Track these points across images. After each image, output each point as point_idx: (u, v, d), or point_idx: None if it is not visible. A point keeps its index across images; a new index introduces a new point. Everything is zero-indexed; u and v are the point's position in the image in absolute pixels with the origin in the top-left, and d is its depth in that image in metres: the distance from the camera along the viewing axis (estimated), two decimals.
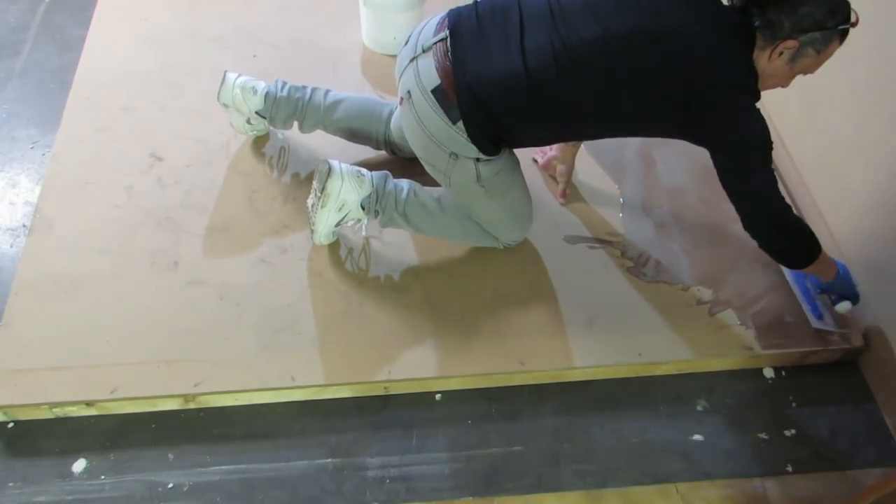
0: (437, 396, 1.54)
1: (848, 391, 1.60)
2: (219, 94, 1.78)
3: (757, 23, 1.33)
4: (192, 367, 1.50)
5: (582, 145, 1.84)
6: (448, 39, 1.41)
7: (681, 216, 1.82)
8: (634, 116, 1.43)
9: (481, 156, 1.47)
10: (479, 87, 1.38)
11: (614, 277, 1.71)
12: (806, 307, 1.64)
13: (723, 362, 1.60)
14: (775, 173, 1.91)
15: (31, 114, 2.05)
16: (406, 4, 2.09)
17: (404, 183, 1.65)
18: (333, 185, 1.57)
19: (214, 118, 1.94)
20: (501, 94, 1.38)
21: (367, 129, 1.80)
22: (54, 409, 1.46)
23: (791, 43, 1.31)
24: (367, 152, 1.88)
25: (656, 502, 1.42)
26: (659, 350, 1.58)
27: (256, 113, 1.79)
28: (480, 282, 1.68)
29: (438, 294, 1.65)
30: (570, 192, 1.86)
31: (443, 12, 1.47)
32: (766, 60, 1.35)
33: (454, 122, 1.42)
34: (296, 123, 1.82)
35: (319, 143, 1.90)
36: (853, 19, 1.31)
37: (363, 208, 1.61)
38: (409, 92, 1.46)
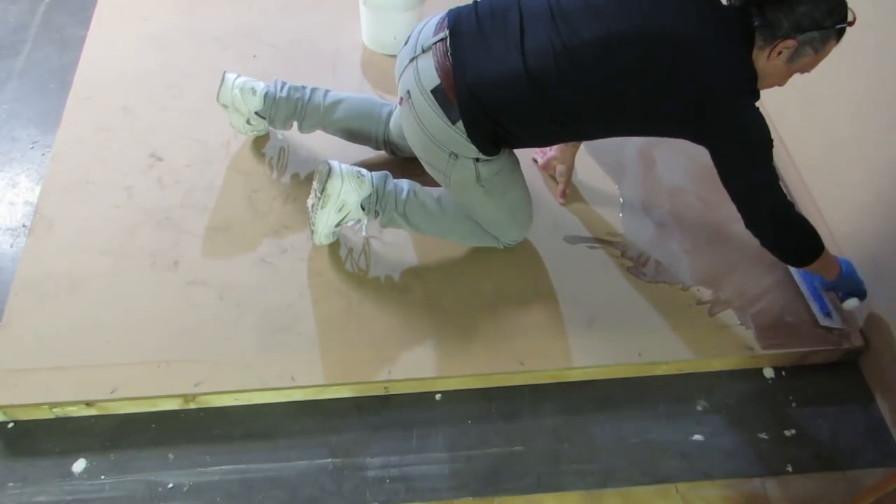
0: (437, 396, 1.54)
1: (848, 391, 1.60)
2: (218, 94, 1.78)
3: (756, 22, 1.33)
4: (192, 367, 1.50)
5: (582, 145, 1.84)
6: (448, 39, 1.41)
7: (681, 216, 1.82)
8: (635, 116, 1.43)
9: (481, 156, 1.47)
10: (478, 88, 1.38)
11: (614, 277, 1.71)
12: (814, 305, 1.64)
13: (723, 362, 1.60)
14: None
15: (31, 114, 2.05)
16: (406, 4, 2.09)
17: (404, 183, 1.65)
18: (333, 185, 1.57)
19: (214, 118, 1.94)
20: (501, 94, 1.38)
21: (367, 130, 1.80)
22: (54, 409, 1.46)
23: (790, 42, 1.32)
24: (367, 152, 1.88)
25: (656, 502, 1.42)
26: (659, 350, 1.58)
27: (256, 113, 1.79)
28: (480, 282, 1.68)
29: (438, 294, 1.65)
30: (570, 192, 1.86)
31: (442, 12, 1.47)
32: (764, 60, 1.36)
33: (454, 123, 1.42)
34: (295, 124, 1.82)
35: (319, 143, 1.90)
36: (850, 18, 1.32)
37: (363, 209, 1.61)
38: (408, 92, 1.46)
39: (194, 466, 1.42)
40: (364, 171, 1.62)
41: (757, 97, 1.40)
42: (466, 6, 1.46)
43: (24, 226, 1.78)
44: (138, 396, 1.46)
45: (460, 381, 1.54)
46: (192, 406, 1.50)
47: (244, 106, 1.77)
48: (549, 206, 1.84)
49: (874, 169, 1.59)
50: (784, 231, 1.45)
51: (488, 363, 1.54)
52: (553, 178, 1.88)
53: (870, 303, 1.61)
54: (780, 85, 1.42)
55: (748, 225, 1.45)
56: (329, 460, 1.44)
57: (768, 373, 1.62)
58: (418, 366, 1.53)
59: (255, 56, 2.16)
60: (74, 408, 1.46)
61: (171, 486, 1.40)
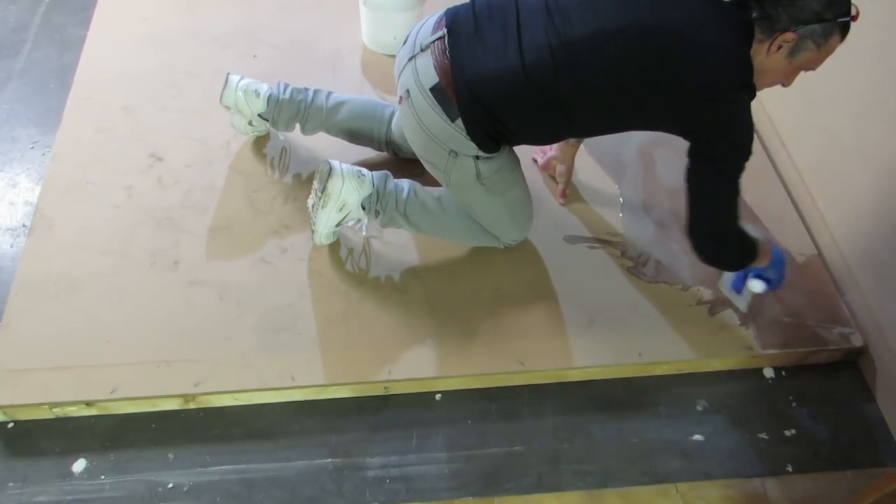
0: (437, 396, 1.54)
1: (848, 391, 1.60)
2: (221, 96, 1.78)
3: (754, 14, 1.32)
4: (192, 367, 1.50)
5: (582, 145, 1.84)
6: (446, 38, 1.41)
7: (681, 216, 1.81)
8: (631, 110, 1.43)
9: (481, 153, 1.47)
10: (477, 85, 1.38)
11: (614, 277, 1.71)
12: (727, 281, 1.63)
13: (723, 362, 1.60)
14: (775, 173, 1.94)
15: (31, 114, 2.05)
16: (406, 4, 2.09)
17: (405, 183, 1.65)
18: (334, 185, 1.57)
19: (214, 118, 1.94)
20: (499, 91, 1.38)
21: (369, 131, 1.80)
22: (54, 409, 1.46)
23: (789, 35, 1.30)
24: (368, 153, 1.88)
25: (656, 502, 1.42)
26: (659, 350, 1.58)
27: (259, 116, 1.79)
28: (480, 282, 1.68)
29: (438, 294, 1.65)
30: (570, 192, 1.86)
31: (441, 11, 1.47)
32: (764, 54, 1.34)
33: (453, 120, 1.42)
34: (297, 126, 1.82)
35: (320, 143, 1.90)
36: (853, 12, 1.30)
37: (364, 208, 1.61)
38: (407, 91, 1.47)
39: (194, 466, 1.42)
40: (364, 170, 1.62)
41: (753, 94, 1.39)
42: (464, 4, 1.46)
43: (24, 226, 1.78)
44: (138, 396, 1.46)
45: (460, 381, 1.54)
46: (192, 406, 1.50)
47: (247, 108, 1.77)
48: (549, 206, 1.84)
49: (874, 169, 1.59)
50: (718, 246, 1.48)
51: (488, 363, 1.54)
52: (553, 178, 1.88)
53: (870, 303, 1.61)
54: (784, 84, 1.41)
55: (690, 229, 1.46)
56: (329, 460, 1.44)
57: (768, 373, 1.62)
58: (418, 366, 1.53)
59: (255, 56, 2.16)
60: (74, 408, 1.46)
61: (171, 486, 1.40)
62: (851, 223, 1.68)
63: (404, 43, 1.51)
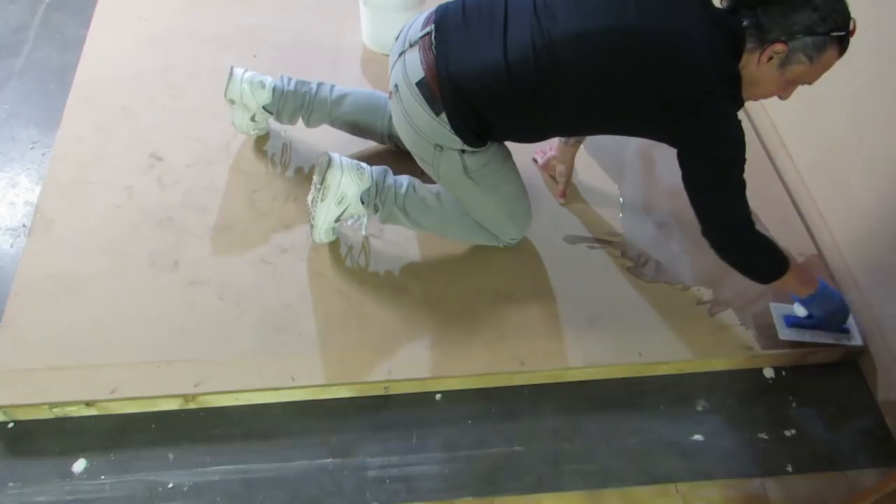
0: (437, 396, 1.54)
1: (848, 391, 1.60)
2: (226, 90, 1.78)
3: (746, 23, 1.31)
4: (192, 367, 1.50)
5: (582, 145, 1.84)
6: (433, 33, 1.42)
7: (681, 216, 1.82)
8: (611, 113, 1.43)
9: (466, 147, 1.48)
10: (460, 80, 1.39)
11: (614, 277, 1.71)
12: (777, 315, 1.61)
13: (723, 362, 1.60)
14: (775, 173, 1.94)
15: (31, 114, 2.05)
16: (406, 4, 2.09)
17: (404, 178, 1.65)
18: (333, 176, 1.57)
19: (214, 118, 1.94)
20: (482, 86, 1.38)
21: (372, 123, 1.81)
22: (54, 409, 1.46)
23: (779, 47, 1.29)
24: (367, 148, 1.89)
25: (656, 502, 1.42)
26: (659, 350, 1.58)
27: (263, 108, 1.79)
28: (480, 281, 1.68)
29: (438, 294, 1.65)
30: (570, 192, 1.86)
31: (432, 8, 1.48)
32: (754, 65, 1.33)
33: (437, 115, 1.43)
34: (300, 119, 1.83)
35: (321, 140, 1.90)
36: (851, 27, 1.28)
37: (363, 202, 1.61)
38: (396, 86, 1.48)
39: (194, 466, 1.42)
40: (364, 164, 1.63)
41: (739, 104, 1.38)
42: (455, 1, 1.46)
43: (24, 226, 1.78)
44: (138, 396, 1.46)
45: (460, 381, 1.54)
46: (192, 406, 1.50)
47: (252, 100, 1.78)
48: (549, 206, 1.84)
49: (874, 170, 1.59)
50: (738, 248, 1.45)
51: (488, 363, 1.54)
52: (553, 178, 1.88)
53: (870, 303, 1.61)
54: (780, 96, 1.39)
55: (704, 234, 1.45)
56: (329, 460, 1.44)
57: (768, 373, 1.62)
58: (418, 366, 1.53)
59: (255, 56, 2.16)
60: (74, 408, 1.46)
61: (171, 486, 1.40)
62: (851, 223, 1.68)
63: (396, 39, 1.52)
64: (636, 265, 1.73)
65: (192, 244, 1.71)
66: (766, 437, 1.52)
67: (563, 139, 1.79)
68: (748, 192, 1.42)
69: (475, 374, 1.54)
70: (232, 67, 1.79)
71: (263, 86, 1.77)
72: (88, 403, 1.45)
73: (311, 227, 1.66)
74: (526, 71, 1.35)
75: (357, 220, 1.68)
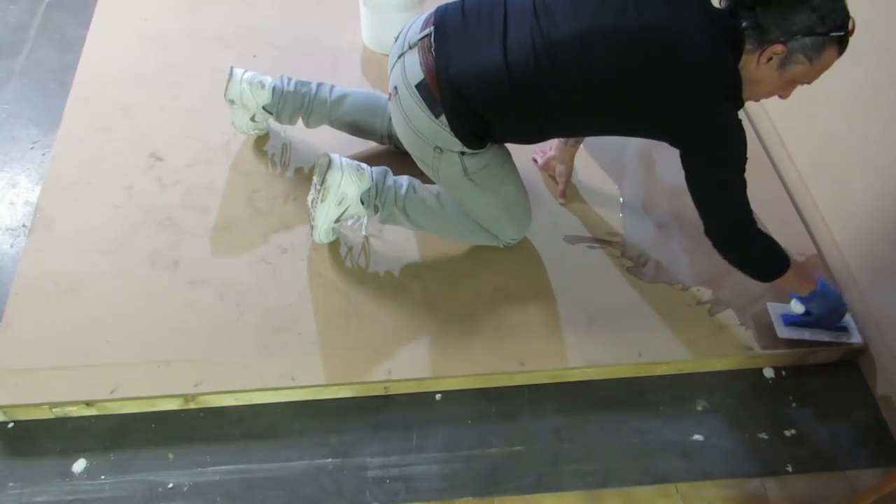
0: (437, 396, 1.54)
1: (848, 391, 1.60)
2: (226, 90, 1.78)
3: (745, 24, 1.31)
4: (192, 367, 1.50)
5: (582, 146, 1.84)
6: (432, 35, 1.41)
7: (681, 216, 1.82)
8: (611, 114, 1.43)
9: (465, 149, 1.48)
10: (460, 82, 1.39)
11: (614, 277, 1.71)
12: (776, 315, 1.61)
13: (723, 362, 1.60)
14: (775, 173, 1.94)
15: (31, 114, 2.05)
16: (406, 4, 2.09)
17: (404, 179, 1.65)
18: (333, 177, 1.57)
19: (214, 118, 1.95)
20: (482, 88, 1.38)
21: (372, 124, 1.81)
22: (54, 409, 1.46)
23: (779, 47, 1.29)
24: (367, 149, 1.89)
25: (656, 502, 1.42)
26: (659, 350, 1.58)
27: (263, 108, 1.79)
28: (480, 281, 1.68)
29: (438, 293, 1.65)
30: (570, 192, 1.86)
31: (432, 9, 1.48)
32: (754, 65, 1.33)
33: (437, 117, 1.43)
34: (300, 120, 1.83)
35: (321, 140, 1.90)
36: (850, 27, 1.28)
37: (363, 203, 1.61)
38: (395, 88, 1.48)
39: (194, 466, 1.42)
40: (364, 165, 1.63)
41: (739, 105, 1.38)
42: (454, 3, 1.46)
43: (24, 226, 1.78)
44: (138, 396, 1.46)
45: (460, 381, 1.54)
46: (192, 406, 1.50)
47: (252, 100, 1.78)
48: (549, 206, 1.84)
49: (874, 169, 1.59)
50: (740, 246, 1.45)
51: (488, 363, 1.54)
52: (553, 178, 1.88)
53: (870, 303, 1.61)
54: (781, 96, 1.39)
55: (707, 232, 1.45)
56: (329, 460, 1.44)
57: (768, 373, 1.62)
58: (418, 366, 1.53)
59: (255, 56, 2.16)
60: (74, 408, 1.46)
61: (171, 486, 1.40)
62: (851, 223, 1.68)
63: (395, 41, 1.52)
64: (636, 265, 1.73)
65: (192, 244, 1.71)
66: (766, 437, 1.52)
67: (562, 139, 1.79)
68: (748, 193, 1.43)
69: (475, 374, 1.54)
70: (232, 67, 1.79)
71: (263, 86, 1.77)
72: (88, 403, 1.45)
73: (311, 227, 1.66)
74: (526, 72, 1.35)
75: (357, 220, 1.68)
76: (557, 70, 1.35)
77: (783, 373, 1.62)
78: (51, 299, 1.59)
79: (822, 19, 1.26)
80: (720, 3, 1.38)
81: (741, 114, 1.40)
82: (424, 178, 1.65)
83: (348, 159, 1.62)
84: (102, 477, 1.41)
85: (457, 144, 1.46)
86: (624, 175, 1.93)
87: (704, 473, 1.46)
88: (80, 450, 1.44)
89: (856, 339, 1.60)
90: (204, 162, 1.88)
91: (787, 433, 1.52)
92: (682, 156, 1.41)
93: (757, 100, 1.43)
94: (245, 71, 1.79)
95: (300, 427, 1.48)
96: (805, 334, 1.58)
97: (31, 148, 1.97)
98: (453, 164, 1.50)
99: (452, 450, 1.47)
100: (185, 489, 1.39)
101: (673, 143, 1.42)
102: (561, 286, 1.68)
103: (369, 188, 1.61)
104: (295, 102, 1.79)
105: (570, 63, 1.34)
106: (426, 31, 1.43)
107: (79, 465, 1.42)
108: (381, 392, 1.53)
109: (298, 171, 1.87)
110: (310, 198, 1.64)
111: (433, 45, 1.41)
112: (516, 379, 1.56)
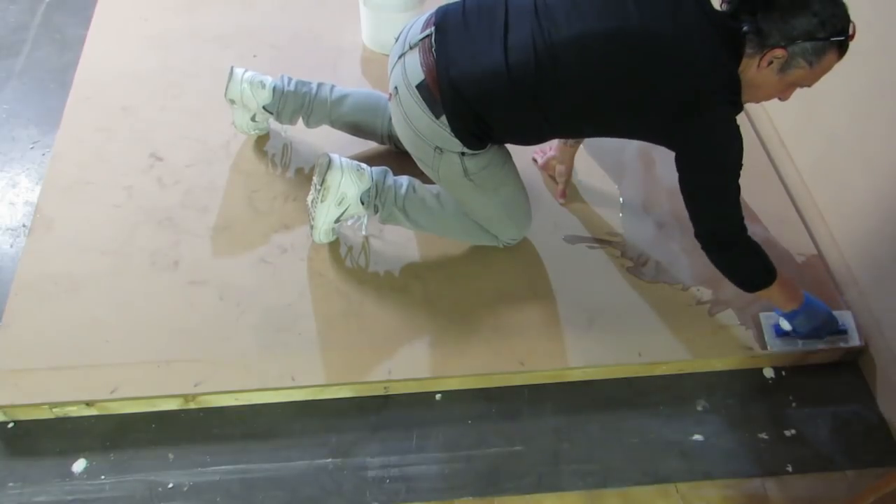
0: (437, 396, 1.54)
1: (848, 391, 1.60)
2: (226, 90, 1.78)
3: (745, 28, 1.31)
4: (192, 367, 1.50)
5: (582, 146, 1.84)
6: (433, 35, 1.41)
7: (681, 216, 1.81)
8: (610, 116, 1.43)
9: (466, 150, 1.48)
10: (461, 83, 1.39)
11: (614, 277, 1.71)
12: (767, 325, 1.61)
13: (723, 362, 1.60)
14: (775, 173, 1.94)
15: (31, 114, 2.05)
16: (406, 4, 2.09)
17: (404, 179, 1.65)
18: (333, 177, 1.57)
19: (214, 118, 1.95)
20: (483, 89, 1.38)
21: (372, 124, 1.81)
22: (54, 409, 1.46)
23: (779, 52, 1.29)
24: (367, 149, 1.89)
25: (656, 502, 1.42)
26: (659, 350, 1.58)
27: (264, 108, 1.79)
28: (480, 282, 1.68)
29: (438, 294, 1.65)
30: (570, 192, 1.86)
31: (433, 9, 1.48)
32: (754, 69, 1.33)
33: (437, 118, 1.43)
34: (300, 120, 1.83)
35: (321, 140, 1.90)
36: (850, 31, 1.28)
37: (363, 203, 1.61)
38: (396, 88, 1.48)
39: (194, 466, 1.42)
40: (364, 165, 1.63)
41: (738, 109, 1.38)
42: (455, 3, 1.46)
43: (24, 226, 1.78)
44: (138, 396, 1.46)
45: (460, 381, 1.54)
46: (192, 406, 1.50)
47: (252, 100, 1.78)
48: (548, 206, 1.84)
49: (874, 169, 1.59)
50: (728, 253, 1.45)
51: (488, 363, 1.54)
52: (553, 178, 1.88)
53: (870, 303, 1.61)
54: (781, 98, 1.40)
55: (696, 236, 1.45)
56: (329, 460, 1.44)
57: (768, 373, 1.62)
58: (418, 366, 1.53)
59: (255, 56, 2.16)
60: (74, 408, 1.46)
61: (171, 486, 1.40)
62: (851, 223, 1.68)
63: (396, 41, 1.52)
64: (636, 265, 1.73)
65: (192, 244, 1.71)
66: (766, 437, 1.52)
67: (562, 139, 1.79)
68: (747, 192, 1.43)
69: (475, 374, 1.54)
70: (232, 67, 1.79)
71: (263, 86, 1.77)
72: (88, 403, 1.45)
73: (311, 227, 1.66)
74: (527, 73, 1.35)
75: (357, 220, 1.68)
76: (558, 71, 1.35)
77: (783, 373, 1.62)
78: (51, 299, 1.59)
79: (822, 24, 1.26)
80: (721, 6, 1.38)
81: (741, 115, 1.40)
82: (424, 178, 1.65)
83: (348, 159, 1.62)
84: (102, 477, 1.41)
85: (457, 145, 1.46)
86: (624, 175, 1.93)
87: (704, 473, 1.46)
88: (80, 450, 1.44)
89: (854, 341, 1.60)
90: (204, 162, 1.88)
91: (787, 433, 1.52)
92: (677, 158, 1.41)
93: (756, 102, 1.43)
94: (245, 71, 1.79)
95: (300, 427, 1.48)
96: (798, 344, 1.58)
97: (31, 148, 1.97)
98: (453, 164, 1.50)
99: (452, 450, 1.47)
100: (185, 489, 1.39)
101: (669, 146, 1.42)
102: (561, 286, 1.68)
103: (369, 188, 1.61)
104: (295, 102, 1.79)
105: (571, 64, 1.34)
106: (427, 32, 1.43)
107: (79, 465, 1.42)
108: (381, 392, 1.53)
109: (299, 171, 1.87)
110: (310, 198, 1.64)
111: (434, 45, 1.41)
112: (516, 379, 1.56)
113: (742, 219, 1.42)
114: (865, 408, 1.57)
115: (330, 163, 1.58)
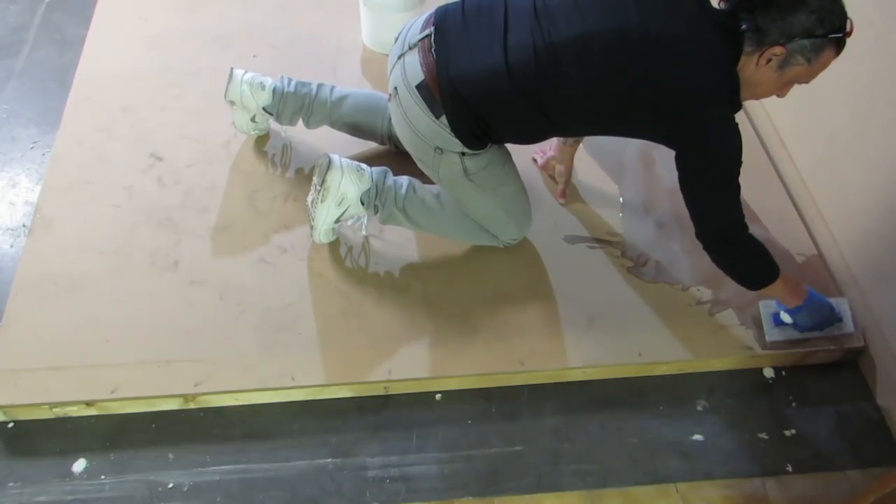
0: (437, 396, 1.54)
1: (848, 391, 1.60)
2: (226, 91, 1.78)
3: (744, 26, 1.31)
4: (192, 367, 1.50)
5: (581, 145, 1.84)
6: (433, 35, 1.42)
7: (681, 216, 1.82)
8: (610, 115, 1.43)
9: (466, 150, 1.48)
10: (461, 83, 1.39)
11: (614, 277, 1.71)
12: (767, 314, 1.61)
13: (723, 362, 1.60)
14: (775, 173, 1.94)
15: (31, 114, 2.05)
16: (406, 4, 2.09)
17: (404, 179, 1.66)
18: (333, 178, 1.57)
19: (214, 118, 1.95)
20: (483, 89, 1.39)
21: (372, 124, 1.81)
22: (54, 409, 1.46)
23: (778, 49, 1.29)
24: (367, 149, 1.89)
25: (656, 502, 1.42)
26: (659, 350, 1.58)
27: (264, 109, 1.79)
28: (480, 282, 1.68)
29: (438, 294, 1.65)
30: (570, 192, 1.86)
31: (432, 9, 1.48)
32: (753, 67, 1.34)
33: (437, 118, 1.43)
34: (300, 120, 1.83)
35: (321, 140, 1.90)
36: (848, 28, 1.28)
37: (363, 203, 1.61)
38: (395, 88, 1.48)
39: (194, 466, 1.42)
40: (364, 165, 1.63)
41: (736, 108, 1.38)
42: (454, 3, 1.46)
43: (24, 226, 1.78)
44: (138, 396, 1.46)
45: (460, 381, 1.54)
46: (192, 406, 1.50)
47: (252, 101, 1.78)
48: (548, 206, 1.84)
49: (874, 169, 1.59)
50: (729, 252, 1.45)
51: (488, 363, 1.54)
52: (553, 178, 1.88)
53: (870, 303, 1.61)
54: (778, 95, 1.40)
55: (697, 236, 1.45)
56: (329, 460, 1.44)
57: (768, 373, 1.62)
58: (418, 366, 1.53)
59: (255, 56, 2.16)
60: (74, 408, 1.46)
61: (171, 486, 1.40)
62: (851, 223, 1.68)
63: (395, 41, 1.52)
64: (636, 265, 1.73)
65: (192, 244, 1.71)
66: (766, 437, 1.52)
67: (561, 139, 1.79)
68: (747, 192, 1.43)
69: (475, 374, 1.54)
70: (232, 69, 1.79)
71: (263, 87, 1.77)
72: (88, 403, 1.46)
73: (311, 227, 1.66)
74: (527, 73, 1.36)
75: (357, 220, 1.68)
76: (558, 71, 1.35)
77: (783, 373, 1.62)
78: (51, 299, 1.59)
79: (820, 21, 1.27)
80: (719, 4, 1.38)
81: (741, 114, 1.40)
82: (424, 178, 1.65)
83: (348, 160, 1.62)
84: (102, 477, 1.41)
85: (457, 145, 1.46)
86: (624, 175, 1.92)
87: (704, 473, 1.46)
88: (80, 450, 1.44)
89: (850, 328, 1.60)
90: (204, 162, 1.88)
91: (787, 433, 1.52)
92: (676, 157, 1.41)
93: (755, 99, 1.43)
94: (245, 72, 1.79)
95: (300, 427, 1.48)
96: (795, 334, 1.58)
97: (31, 148, 1.97)
98: (453, 164, 1.50)
99: (452, 450, 1.47)
100: (185, 489, 1.39)
101: (669, 145, 1.42)
102: (561, 286, 1.68)
103: (369, 188, 1.61)
104: (295, 103, 1.79)
105: (571, 64, 1.34)
106: (426, 32, 1.43)
107: (79, 465, 1.42)
108: (381, 392, 1.53)
109: (299, 171, 1.87)
110: (310, 198, 1.64)
111: (433, 45, 1.41)
112: (516, 379, 1.56)
113: (743, 217, 1.42)
114: (865, 407, 1.58)
115: (330, 163, 1.58)
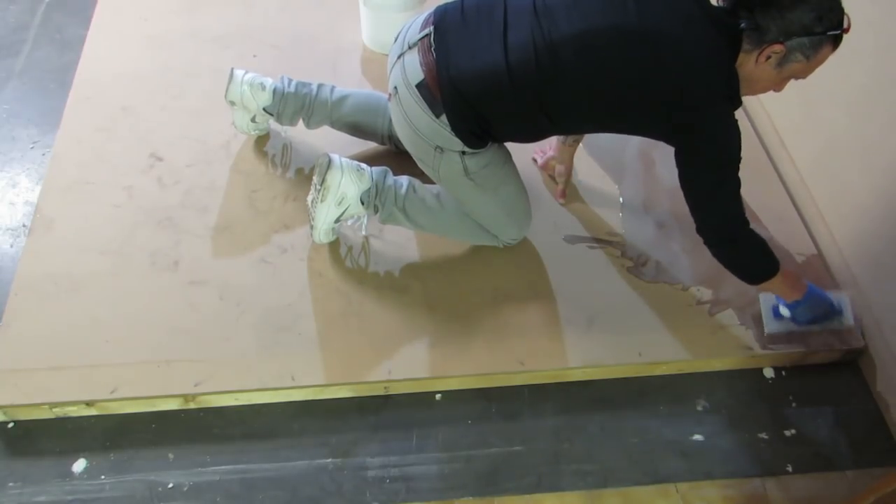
0: (437, 396, 1.54)
1: (848, 391, 1.60)
2: (226, 91, 1.78)
3: (743, 25, 1.32)
4: (192, 367, 1.50)
5: (581, 145, 1.84)
6: (432, 35, 1.42)
7: (681, 216, 1.82)
8: (611, 112, 1.43)
9: (466, 149, 1.48)
10: (461, 82, 1.39)
11: (614, 277, 1.71)
12: (767, 307, 1.61)
13: (723, 362, 1.60)
14: (775, 173, 1.94)
15: (31, 114, 2.05)
16: (406, 4, 2.09)
17: (403, 179, 1.66)
18: (333, 177, 1.57)
19: (214, 118, 1.95)
20: (483, 88, 1.39)
21: (373, 124, 1.81)
22: (54, 409, 1.46)
23: (777, 47, 1.30)
24: (367, 150, 1.89)
25: (656, 502, 1.42)
26: (659, 350, 1.58)
27: (264, 109, 1.79)
28: (480, 282, 1.68)
29: (438, 294, 1.65)
30: (570, 192, 1.86)
31: (431, 9, 1.48)
32: (752, 64, 1.34)
33: (438, 117, 1.43)
34: (301, 121, 1.83)
35: (321, 140, 1.90)
36: (845, 25, 1.29)
37: (363, 203, 1.61)
38: (395, 87, 1.48)
39: (194, 466, 1.42)
40: (364, 165, 1.63)
41: (736, 104, 1.39)
42: (453, 2, 1.47)
43: (24, 226, 1.78)
44: (138, 396, 1.46)
45: (460, 381, 1.54)
46: (192, 406, 1.50)
47: (253, 102, 1.78)
48: (548, 206, 1.84)
49: (874, 169, 1.59)
50: (731, 246, 1.46)
51: (488, 363, 1.54)
52: (552, 177, 1.88)
53: (870, 303, 1.61)
54: (775, 90, 1.41)
55: (698, 231, 1.46)
56: (329, 460, 1.44)
57: (768, 373, 1.62)
58: (418, 366, 1.53)
59: (255, 56, 2.16)
60: (74, 408, 1.46)
61: (171, 486, 1.40)
62: (851, 223, 1.68)
63: (395, 41, 1.52)
64: (636, 265, 1.73)
65: (192, 244, 1.71)
66: (766, 437, 1.52)
67: (560, 138, 1.79)
68: (747, 192, 1.43)
69: (475, 374, 1.54)
70: (232, 69, 1.79)
71: (264, 87, 1.77)
72: (88, 403, 1.46)
73: (311, 227, 1.66)
74: (527, 72, 1.36)
75: (357, 220, 1.69)
76: (558, 70, 1.35)
77: (783, 373, 1.62)
78: (51, 299, 1.59)
79: (819, 19, 1.27)
80: (718, 2, 1.38)
81: (740, 113, 1.40)
82: (424, 178, 1.65)
83: (348, 159, 1.62)
84: (102, 477, 1.41)
85: (457, 144, 1.46)
86: (624, 175, 1.93)
87: (704, 473, 1.46)
88: (80, 450, 1.44)
89: (849, 322, 1.60)
90: (204, 162, 1.88)
91: (787, 433, 1.52)
92: (676, 153, 1.41)
93: (753, 95, 1.44)
94: (245, 72, 1.79)
95: (300, 427, 1.48)
96: (794, 327, 1.59)
97: (31, 148, 1.97)
98: (454, 163, 1.50)
99: (452, 450, 1.47)
100: (185, 489, 1.39)
101: (669, 141, 1.42)
102: (561, 286, 1.68)
103: (369, 188, 1.61)
104: (295, 104, 1.79)
105: (572, 63, 1.34)
106: (426, 31, 1.43)
107: (79, 465, 1.42)
108: (381, 392, 1.53)
109: (299, 171, 1.87)
110: (310, 198, 1.64)
111: (433, 44, 1.41)
112: (516, 379, 1.56)
113: (743, 212, 1.43)
114: (865, 408, 1.58)
115: (330, 163, 1.58)
